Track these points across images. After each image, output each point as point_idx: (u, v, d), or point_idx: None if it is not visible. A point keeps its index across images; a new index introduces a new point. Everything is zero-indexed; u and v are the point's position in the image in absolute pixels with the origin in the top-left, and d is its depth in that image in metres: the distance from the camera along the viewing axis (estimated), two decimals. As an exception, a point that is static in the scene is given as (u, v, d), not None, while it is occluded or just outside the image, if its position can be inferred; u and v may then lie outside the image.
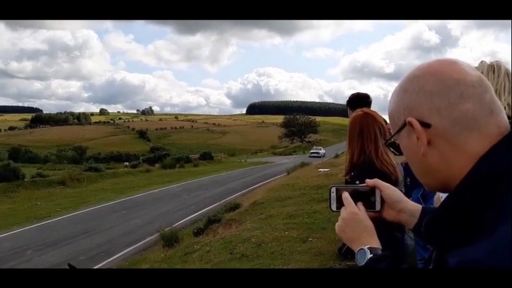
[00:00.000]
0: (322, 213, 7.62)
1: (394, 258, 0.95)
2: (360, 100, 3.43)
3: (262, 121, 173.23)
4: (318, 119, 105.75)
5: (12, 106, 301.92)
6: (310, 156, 42.08)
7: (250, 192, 16.36)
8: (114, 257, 9.15)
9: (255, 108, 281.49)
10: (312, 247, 5.64)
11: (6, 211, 14.97)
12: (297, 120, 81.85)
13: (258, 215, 8.86)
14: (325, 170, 16.66)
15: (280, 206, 9.46)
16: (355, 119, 2.34)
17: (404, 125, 0.77)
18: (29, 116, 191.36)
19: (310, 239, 6.08)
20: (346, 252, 4.62)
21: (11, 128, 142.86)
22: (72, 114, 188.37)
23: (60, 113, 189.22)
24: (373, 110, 2.51)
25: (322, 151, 49.07)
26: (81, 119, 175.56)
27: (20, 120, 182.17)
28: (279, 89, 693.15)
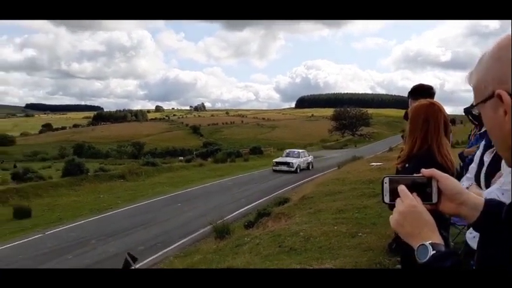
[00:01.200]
0: (372, 208, 7.48)
1: (459, 256, 0.85)
2: (423, 91, 3.33)
3: (312, 114, 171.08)
4: (370, 111, 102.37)
5: (75, 105, 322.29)
6: (274, 170, 23.84)
7: (299, 186, 16.35)
8: (171, 247, 9.61)
9: (304, 102, 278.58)
10: (361, 242, 5.58)
11: (71, 203, 16.15)
12: (348, 112, 79.90)
13: (307, 209, 8.87)
14: (378, 164, 16.23)
15: (329, 200, 9.40)
16: (420, 108, 2.28)
17: (492, 96, 0.72)
18: (91, 114, 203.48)
19: (360, 234, 6.01)
20: (397, 248, 4.53)
21: (75, 126, 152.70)
22: (130, 111, 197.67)
23: (119, 111, 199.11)
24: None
25: (298, 160, 24.50)
26: (139, 116, 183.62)
27: (83, 118, 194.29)
28: (328, 82, 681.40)
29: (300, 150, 27.07)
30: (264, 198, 14.17)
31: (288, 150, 27.02)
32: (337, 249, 5.50)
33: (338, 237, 6.04)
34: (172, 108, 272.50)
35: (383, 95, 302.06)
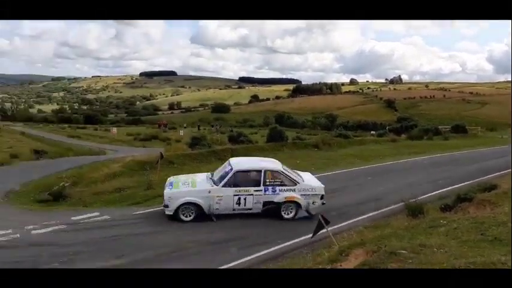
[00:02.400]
0: None
1: None
2: None
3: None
4: None
5: (278, 78, 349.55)
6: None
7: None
8: (361, 217, 9.94)
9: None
10: None
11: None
12: None
13: (521, 199, 7.74)
14: None
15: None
16: None
17: None
18: (290, 86, 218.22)
19: None
20: None
21: (277, 97, 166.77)
22: (325, 84, 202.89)
23: (315, 84, 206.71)
24: None
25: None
26: (333, 89, 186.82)
27: (283, 90, 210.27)
28: None
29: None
30: (466, 183, 12.84)
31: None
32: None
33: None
34: (367, 81, 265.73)
35: None
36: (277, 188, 9.82)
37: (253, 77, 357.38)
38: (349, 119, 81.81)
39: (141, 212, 10.77)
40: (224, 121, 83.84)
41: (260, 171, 9.86)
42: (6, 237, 8.51)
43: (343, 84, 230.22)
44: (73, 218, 10.06)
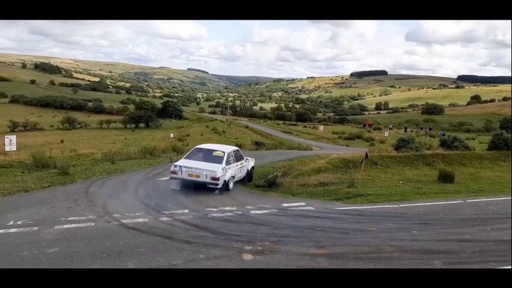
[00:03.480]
0: None
1: None
2: None
3: None
4: None
5: (507, 76, 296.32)
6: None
7: None
8: None
9: None
10: None
11: (494, 178, 15.82)
12: None
13: None
14: None
15: None
16: None
17: None
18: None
19: None
20: None
21: (505, 99, 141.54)
22: None
23: None
24: None
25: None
26: None
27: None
28: None
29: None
30: None
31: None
32: None
33: None
34: None
35: None
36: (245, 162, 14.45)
37: (475, 75, 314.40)
38: None
39: (343, 208, 11.18)
40: (435, 123, 76.71)
41: (237, 150, 14.34)
42: (232, 213, 10.26)
43: None
44: (283, 205, 11.29)
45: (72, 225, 8.65)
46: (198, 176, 12.11)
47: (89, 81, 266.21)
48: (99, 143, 39.93)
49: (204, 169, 12.13)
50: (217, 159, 12.61)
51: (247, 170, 14.52)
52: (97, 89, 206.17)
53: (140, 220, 9.18)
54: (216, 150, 13.13)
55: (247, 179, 14.55)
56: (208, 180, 12.06)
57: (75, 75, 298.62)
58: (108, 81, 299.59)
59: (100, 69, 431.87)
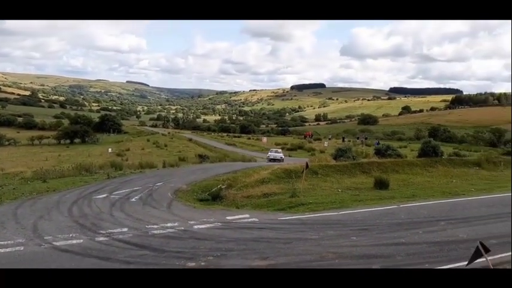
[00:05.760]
0: None
1: None
2: None
3: None
4: None
5: (433, 88, 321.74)
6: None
7: None
8: None
9: None
10: None
11: (424, 183, 16.87)
12: None
13: None
14: None
15: None
16: None
17: None
18: (448, 97, 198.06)
19: None
20: None
21: (432, 109, 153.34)
22: (492, 94, 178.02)
23: (480, 94, 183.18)
24: None
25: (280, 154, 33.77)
26: (502, 99, 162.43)
27: (440, 101, 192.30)
28: None
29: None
30: None
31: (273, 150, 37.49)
32: None
33: None
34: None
35: None
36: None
37: (405, 87, 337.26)
38: (523, 134, 69.63)
39: (286, 218, 11.33)
40: (371, 133, 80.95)
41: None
42: (174, 229, 9.99)
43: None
44: (227, 218, 11.21)
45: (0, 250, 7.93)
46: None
47: (18, 95, 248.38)
48: (30, 161, 37.21)
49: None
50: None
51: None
52: (28, 103, 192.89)
53: (74, 242, 8.63)
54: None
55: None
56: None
57: (3, 89, 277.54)
58: (40, 95, 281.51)
59: (31, 83, 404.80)
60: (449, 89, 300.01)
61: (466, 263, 6.40)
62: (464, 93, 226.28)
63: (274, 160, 30.12)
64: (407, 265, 7.40)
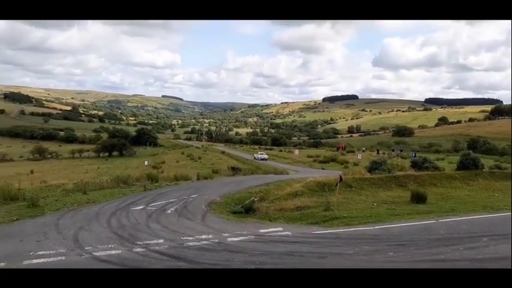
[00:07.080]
0: None
1: None
2: None
3: None
4: None
5: (471, 98, 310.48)
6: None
7: None
8: None
9: None
10: None
11: (464, 197, 16.24)
12: None
13: None
14: None
15: None
16: None
17: None
18: (487, 107, 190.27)
19: None
20: None
21: (471, 120, 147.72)
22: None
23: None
24: None
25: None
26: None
27: (479, 111, 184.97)
28: None
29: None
30: None
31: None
32: None
33: None
34: None
35: None
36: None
37: (441, 98, 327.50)
38: None
39: (319, 231, 11.21)
40: (406, 145, 78.85)
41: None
42: (208, 241, 10.10)
43: None
44: (260, 231, 11.22)
45: (42, 260, 8.30)
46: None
47: (60, 110, 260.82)
48: (71, 173, 38.84)
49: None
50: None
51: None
52: (69, 118, 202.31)
53: (113, 252, 8.90)
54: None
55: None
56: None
57: (46, 104, 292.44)
58: (80, 110, 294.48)
59: (72, 98, 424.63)
60: (488, 99, 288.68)
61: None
62: (504, 103, 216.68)
63: (262, 160, 51.28)
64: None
